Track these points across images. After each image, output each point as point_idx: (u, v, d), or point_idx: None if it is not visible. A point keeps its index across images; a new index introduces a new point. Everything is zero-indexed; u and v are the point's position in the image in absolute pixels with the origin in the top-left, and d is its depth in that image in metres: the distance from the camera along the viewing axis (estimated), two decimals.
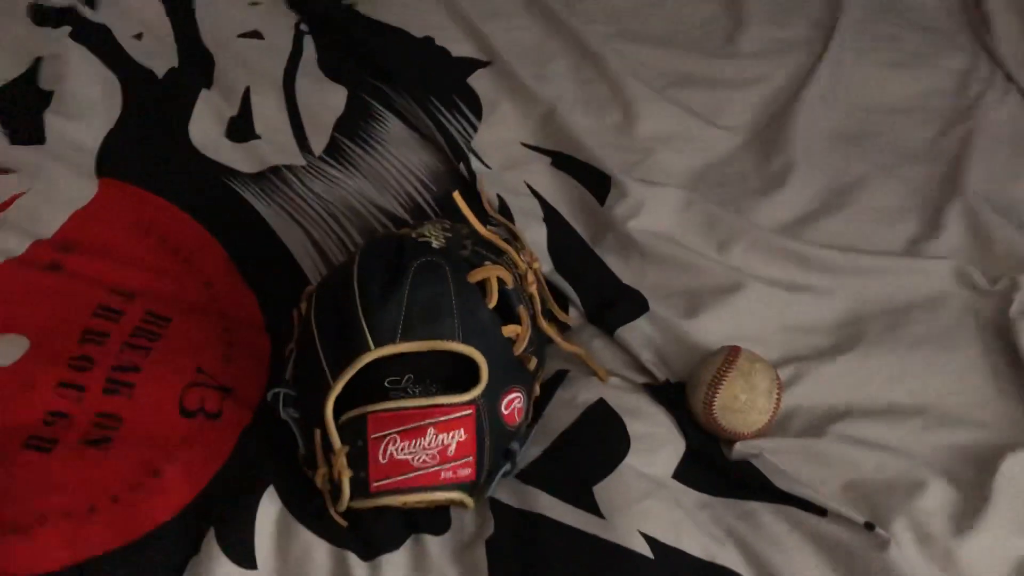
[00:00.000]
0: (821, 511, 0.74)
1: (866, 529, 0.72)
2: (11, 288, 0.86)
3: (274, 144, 1.02)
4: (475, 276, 0.74)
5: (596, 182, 0.98)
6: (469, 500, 0.73)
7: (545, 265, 0.92)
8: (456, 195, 0.79)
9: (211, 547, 0.71)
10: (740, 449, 0.79)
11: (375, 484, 0.70)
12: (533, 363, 0.78)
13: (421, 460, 0.70)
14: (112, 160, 0.97)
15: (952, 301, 0.90)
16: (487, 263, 0.76)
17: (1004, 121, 1.06)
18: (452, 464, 0.70)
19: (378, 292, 0.72)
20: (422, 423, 0.70)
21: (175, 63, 1.09)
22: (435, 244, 0.76)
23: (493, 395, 0.73)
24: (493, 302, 0.74)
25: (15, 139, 0.98)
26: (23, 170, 0.95)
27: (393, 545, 0.73)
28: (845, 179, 1.01)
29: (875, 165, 1.02)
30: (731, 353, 0.81)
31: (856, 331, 0.88)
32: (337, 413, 0.72)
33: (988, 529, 0.73)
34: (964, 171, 1.00)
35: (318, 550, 0.72)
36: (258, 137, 1.02)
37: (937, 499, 0.75)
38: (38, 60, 1.05)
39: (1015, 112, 1.07)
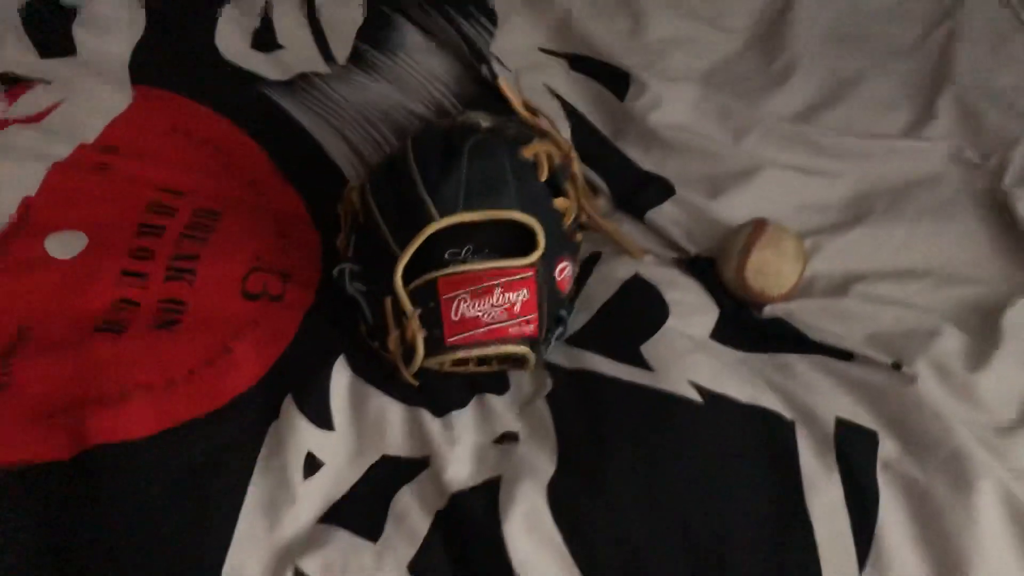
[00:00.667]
0: (848, 357, 0.81)
1: (893, 369, 0.79)
2: (63, 188, 0.88)
3: (299, 54, 1.05)
4: (528, 151, 0.79)
5: (614, 81, 1.03)
6: (532, 355, 0.78)
7: None
8: (502, 80, 0.84)
9: (290, 411, 0.75)
10: (769, 311, 0.85)
11: (450, 339, 0.74)
12: (579, 236, 0.84)
13: (491, 316, 0.74)
14: (145, 69, 1.00)
15: (949, 177, 0.97)
16: (535, 140, 0.81)
17: (983, 21, 1.14)
18: (519, 320, 0.75)
19: (437, 168, 0.76)
20: (490, 283, 0.74)
21: None
22: (484, 124, 0.81)
23: (548, 261, 0.77)
24: (545, 175, 0.79)
25: (45, 53, 0.99)
26: (57, 81, 0.97)
27: (461, 403, 0.78)
28: (843, 75, 1.07)
29: (869, 62, 1.08)
30: (760, 223, 0.87)
31: (864, 207, 0.95)
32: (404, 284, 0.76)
33: (999, 365, 0.80)
34: (950, 64, 1.07)
35: (392, 409, 0.77)
36: (282, 47, 1.05)
37: (952, 343, 0.82)
38: None
39: (992, 13, 1.15)
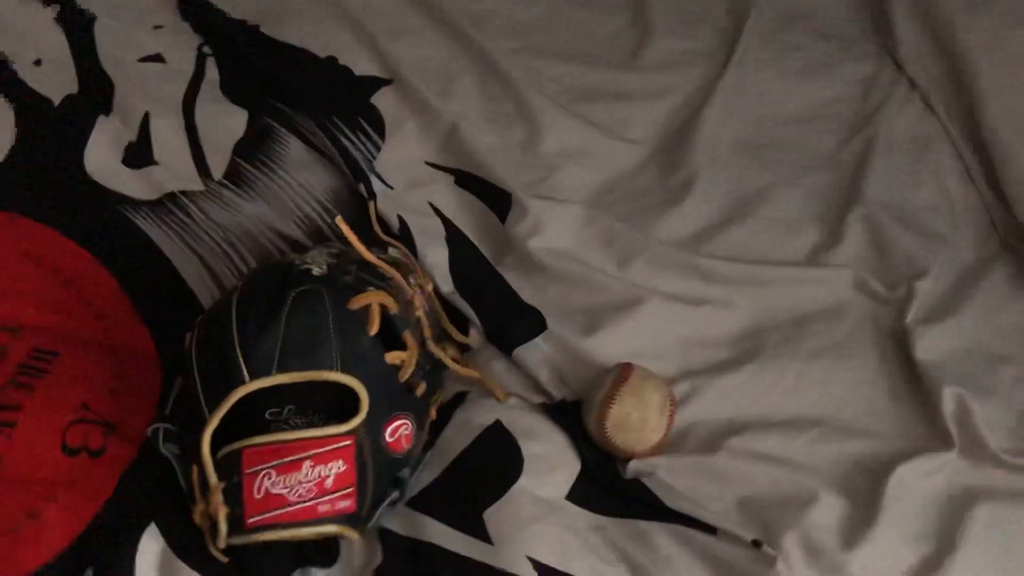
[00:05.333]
0: (712, 529, 0.74)
1: (753, 547, 0.72)
2: None
3: (172, 170, 1.00)
4: (356, 303, 0.73)
5: (498, 201, 0.97)
6: (351, 532, 0.71)
7: (446, 286, 0.91)
8: (339, 220, 0.78)
9: None
10: (634, 467, 0.79)
11: (250, 520, 0.68)
12: (422, 388, 0.77)
13: (297, 494, 0.68)
14: (3, 190, 0.95)
15: (851, 310, 0.90)
16: (370, 289, 0.75)
17: (905, 127, 1.07)
18: (330, 496, 0.69)
19: (255, 323, 0.71)
20: (298, 456, 0.69)
21: (74, 89, 1.06)
22: (316, 271, 0.75)
23: (375, 423, 0.72)
24: (374, 329, 0.73)
25: None
26: None
27: None
28: (748, 190, 1.01)
29: (777, 175, 1.02)
30: (624, 371, 0.80)
31: (755, 343, 0.88)
32: (217, 447, 0.70)
33: (878, 540, 0.73)
34: (864, 179, 1.01)
35: None
36: (156, 163, 1.01)
37: (829, 512, 0.75)
38: None
39: (916, 117, 1.08)
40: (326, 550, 0.74)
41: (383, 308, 0.75)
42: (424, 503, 0.76)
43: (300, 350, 0.70)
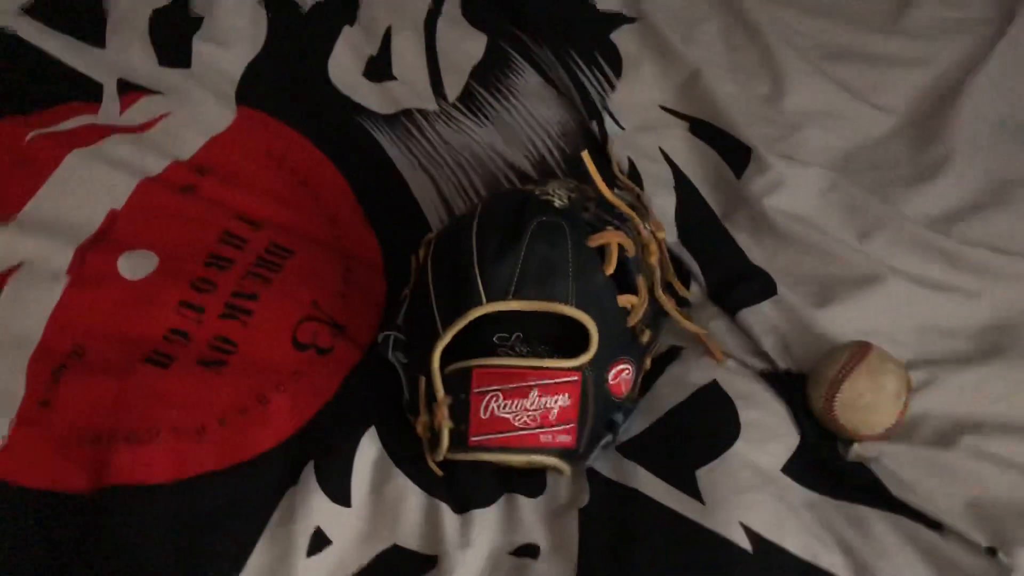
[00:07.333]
0: (939, 527, 0.70)
1: (987, 554, 0.67)
2: (147, 206, 0.89)
3: (409, 87, 1.01)
4: (595, 240, 0.72)
5: (735, 153, 0.93)
6: (566, 467, 0.71)
7: (670, 236, 0.89)
8: (585, 154, 0.77)
9: (309, 480, 0.72)
10: (858, 451, 0.75)
11: (473, 439, 0.69)
12: (647, 336, 0.76)
13: (522, 421, 0.68)
14: (252, 89, 0.99)
15: None
16: (609, 228, 0.74)
17: None
18: (552, 429, 0.69)
19: (495, 247, 0.71)
20: (527, 383, 0.68)
21: None
22: (558, 203, 0.74)
23: (601, 363, 0.71)
24: (611, 269, 0.72)
25: (163, 61, 1.00)
26: (168, 92, 0.98)
27: (486, 501, 0.72)
28: (1009, 175, 0.92)
29: None
30: (861, 348, 0.76)
31: (1002, 339, 0.81)
32: (443, 363, 0.71)
33: None
34: None
35: (412, 496, 0.72)
36: (395, 79, 1.02)
37: None
38: None
39: None
40: (534, 481, 0.74)
41: (620, 248, 0.73)
42: (635, 451, 0.75)
43: (537, 279, 0.69)
